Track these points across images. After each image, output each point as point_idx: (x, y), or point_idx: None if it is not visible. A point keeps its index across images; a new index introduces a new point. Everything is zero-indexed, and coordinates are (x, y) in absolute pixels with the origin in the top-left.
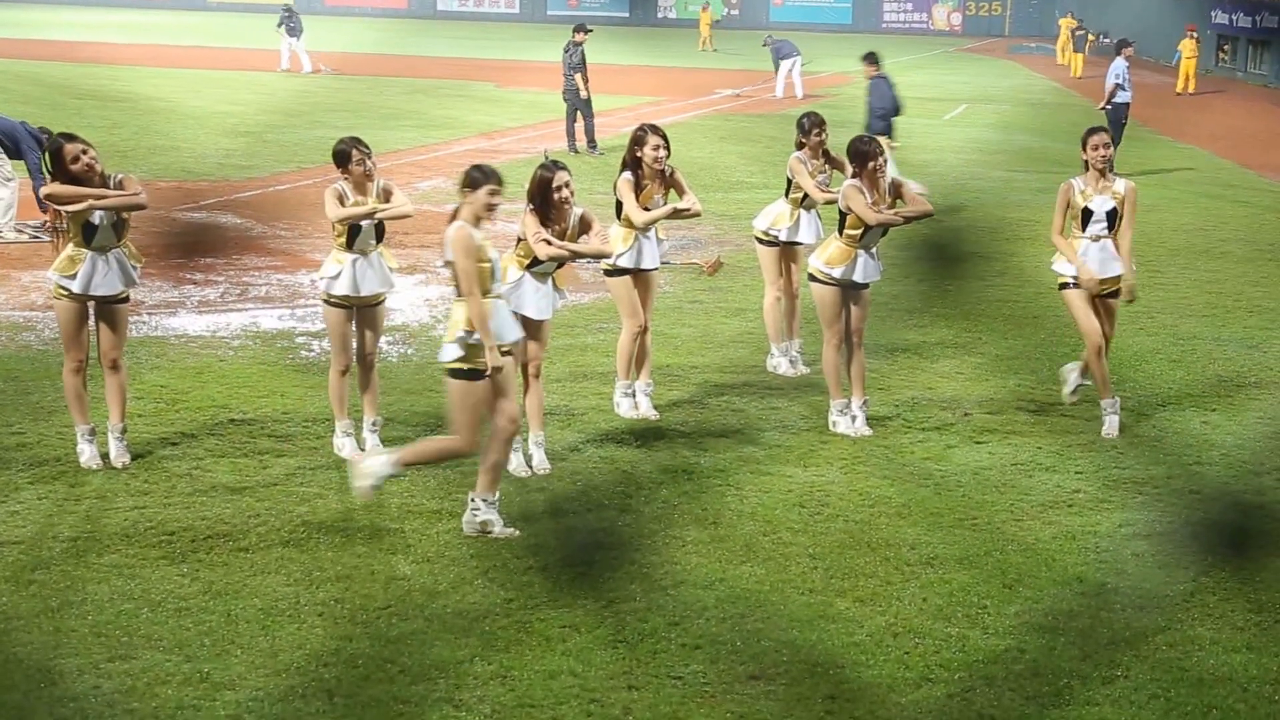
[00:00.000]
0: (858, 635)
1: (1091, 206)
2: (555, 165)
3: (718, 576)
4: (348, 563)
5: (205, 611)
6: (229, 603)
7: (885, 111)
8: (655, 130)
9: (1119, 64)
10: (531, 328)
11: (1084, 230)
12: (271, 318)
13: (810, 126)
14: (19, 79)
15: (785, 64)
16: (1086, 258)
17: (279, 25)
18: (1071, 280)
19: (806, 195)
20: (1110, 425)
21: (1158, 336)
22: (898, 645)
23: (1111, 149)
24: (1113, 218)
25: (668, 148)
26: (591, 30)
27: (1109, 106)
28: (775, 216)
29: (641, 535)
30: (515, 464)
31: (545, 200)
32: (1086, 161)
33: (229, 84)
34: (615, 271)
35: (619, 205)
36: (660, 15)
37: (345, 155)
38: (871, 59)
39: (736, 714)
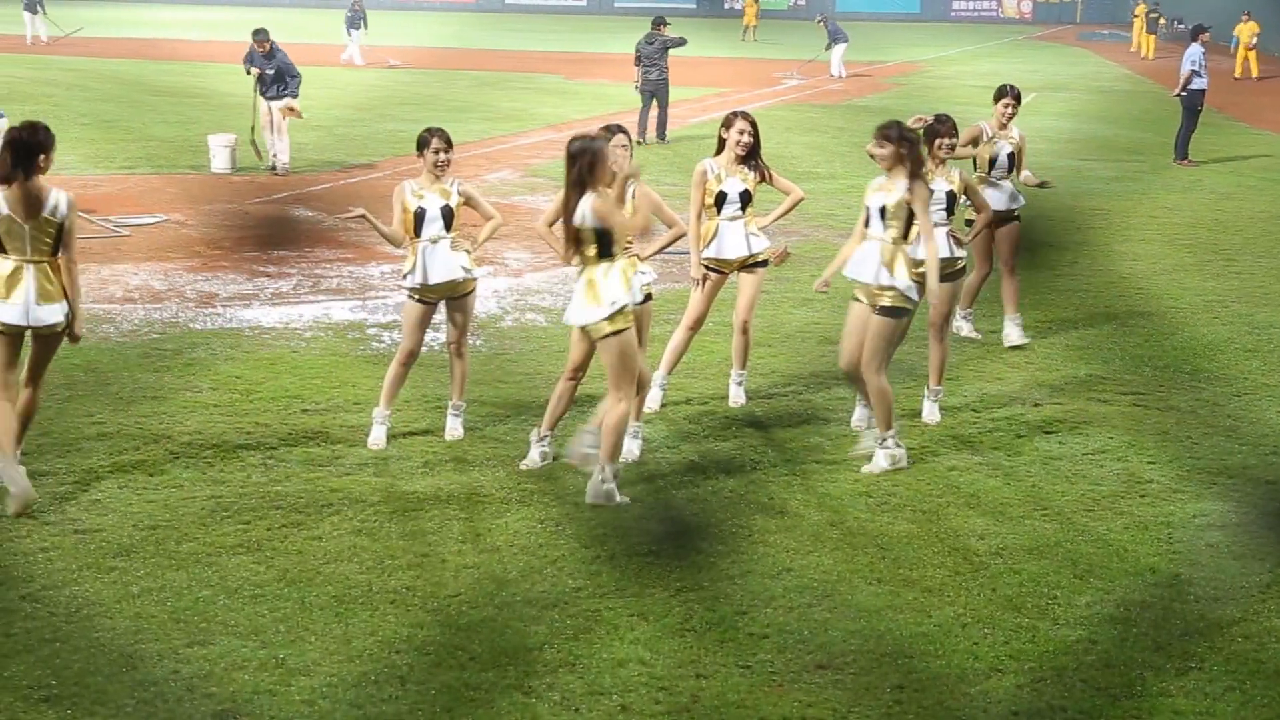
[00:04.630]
0: (926, 625)
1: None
2: (616, 128)
3: (785, 566)
4: (419, 551)
5: (280, 598)
6: (303, 590)
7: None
8: (744, 116)
9: (1195, 50)
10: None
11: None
12: (343, 309)
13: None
14: (98, 77)
15: (839, 48)
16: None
17: (345, 22)
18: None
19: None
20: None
21: (1233, 326)
22: (966, 635)
23: (747, 136)
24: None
25: (754, 134)
26: (669, 24)
27: (1184, 93)
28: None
29: (708, 525)
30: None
31: None
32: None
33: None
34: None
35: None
36: (727, 6)
37: (423, 142)
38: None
39: (804, 703)
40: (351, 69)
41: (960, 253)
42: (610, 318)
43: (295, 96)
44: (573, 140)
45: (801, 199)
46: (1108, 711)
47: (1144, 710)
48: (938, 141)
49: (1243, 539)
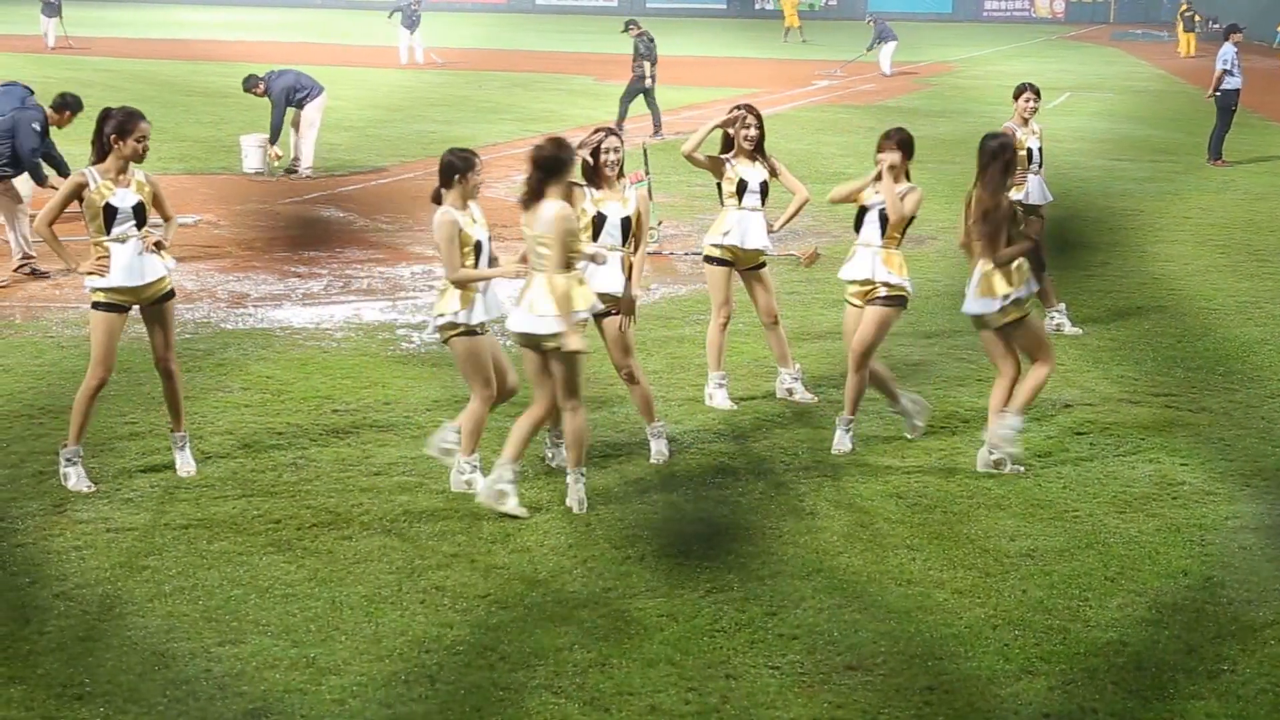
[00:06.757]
0: (956, 626)
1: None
2: (609, 132)
3: (815, 567)
4: (448, 551)
5: (311, 598)
6: (334, 589)
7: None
8: (749, 108)
9: (1228, 49)
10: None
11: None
12: (374, 310)
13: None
14: (131, 77)
15: (888, 46)
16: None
17: (400, 21)
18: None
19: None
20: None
21: (1266, 326)
22: (997, 637)
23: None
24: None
25: (759, 125)
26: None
27: (1217, 93)
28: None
29: (738, 525)
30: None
31: (595, 164)
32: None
33: (332, 80)
34: (713, 260)
35: (719, 187)
36: (758, 6)
37: (453, 168)
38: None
39: (834, 704)
40: (411, 68)
41: (900, 280)
42: (1003, 310)
43: (273, 142)
44: (991, 136)
45: (807, 200)
46: (1139, 714)
47: (1176, 713)
48: (879, 157)
49: (1276, 541)
